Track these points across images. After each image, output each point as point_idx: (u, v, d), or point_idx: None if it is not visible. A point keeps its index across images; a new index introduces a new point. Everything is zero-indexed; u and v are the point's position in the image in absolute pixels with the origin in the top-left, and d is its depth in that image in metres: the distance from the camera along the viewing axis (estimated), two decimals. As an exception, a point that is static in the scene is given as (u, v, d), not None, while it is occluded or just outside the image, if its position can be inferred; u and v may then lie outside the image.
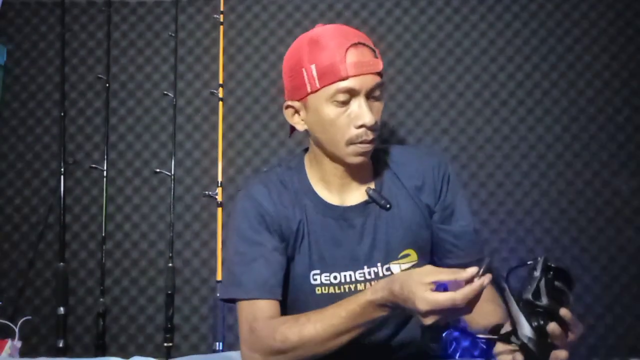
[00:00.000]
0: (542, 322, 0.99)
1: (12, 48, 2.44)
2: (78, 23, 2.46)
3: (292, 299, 1.28)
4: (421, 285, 0.98)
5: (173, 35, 2.40)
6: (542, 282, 1.00)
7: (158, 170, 2.34)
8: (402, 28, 2.43)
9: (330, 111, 1.18)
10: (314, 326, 1.11)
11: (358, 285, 1.27)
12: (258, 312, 1.19)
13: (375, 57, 1.20)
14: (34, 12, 2.47)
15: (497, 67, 2.39)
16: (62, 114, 2.37)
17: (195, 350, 2.25)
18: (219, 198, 2.28)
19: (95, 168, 2.34)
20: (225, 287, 1.27)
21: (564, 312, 0.99)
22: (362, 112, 1.16)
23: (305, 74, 1.19)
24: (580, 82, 2.37)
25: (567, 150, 2.34)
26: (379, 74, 1.20)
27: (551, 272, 1.02)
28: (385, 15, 2.44)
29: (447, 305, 0.96)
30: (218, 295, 1.33)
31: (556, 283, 1.02)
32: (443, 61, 2.40)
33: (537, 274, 1.01)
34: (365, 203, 1.28)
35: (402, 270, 1.25)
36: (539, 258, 1.03)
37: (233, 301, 1.26)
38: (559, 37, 2.40)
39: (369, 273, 1.27)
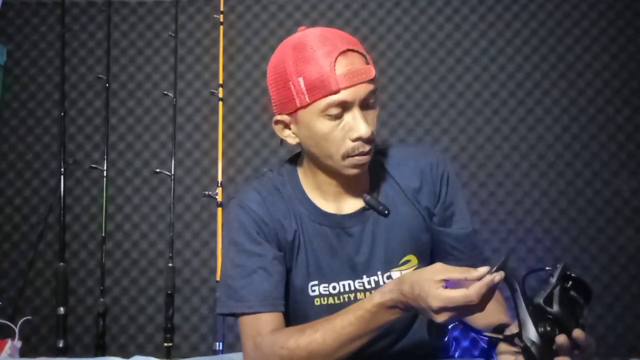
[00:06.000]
0: (548, 329, 0.98)
1: (12, 48, 2.44)
2: (78, 23, 2.46)
3: (291, 311, 1.25)
4: (433, 282, 0.97)
5: (173, 35, 2.40)
6: (557, 290, 0.99)
7: (158, 170, 2.34)
8: (402, 28, 2.43)
9: (323, 125, 1.11)
10: (322, 336, 1.08)
11: (358, 294, 1.23)
12: (261, 327, 1.14)
13: (367, 62, 1.11)
14: (34, 12, 2.47)
15: (497, 67, 2.39)
16: (62, 114, 2.37)
17: (195, 350, 2.25)
18: (219, 198, 2.27)
19: (95, 168, 2.34)
20: (225, 302, 1.20)
21: (577, 333, 0.97)
22: (357, 124, 1.10)
23: (292, 87, 1.11)
24: (580, 82, 2.37)
25: (567, 150, 2.34)
26: (372, 80, 1.11)
27: (569, 282, 1.00)
28: (385, 15, 2.43)
29: (460, 302, 0.95)
30: (217, 311, 1.27)
31: (572, 293, 1.00)
32: (443, 61, 2.40)
33: (553, 280, 0.99)
34: (363, 210, 1.23)
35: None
36: (558, 265, 1.01)
37: (233, 315, 1.21)
38: (559, 37, 2.40)
39: (369, 282, 1.23)
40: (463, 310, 0.98)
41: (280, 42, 1.20)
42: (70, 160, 2.35)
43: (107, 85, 2.37)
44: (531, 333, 0.98)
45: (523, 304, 1.00)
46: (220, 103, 2.34)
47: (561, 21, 2.41)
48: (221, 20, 2.39)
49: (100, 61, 2.42)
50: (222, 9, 2.39)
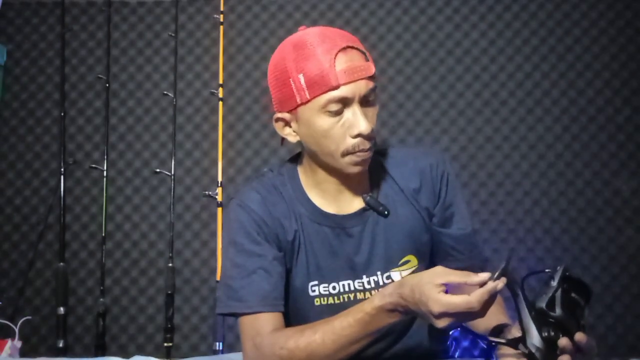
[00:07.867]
0: (552, 333, 0.97)
1: (12, 48, 2.44)
2: (78, 23, 2.46)
3: (291, 311, 1.25)
4: (433, 286, 0.97)
5: (173, 35, 2.40)
6: (558, 293, 0.98)
7: (158, 170, 2.34)
8: (402, 28, 2.43)
9: (323, 122, 1.11)
10: (321, 338, 1.08)
11: (358, 294, 1.23)
12: (261, 327, 1.14)
13: (366, 60, 1.12)
14: (34, 12, 2.47)
15: (497, 67, 2.39)
16: (62, 114, 2.37)
17: (195, 350, 2.25)
18: (219, 198, 2.27)
19: (95, 168, 2.34)
20: (225, 302, 1.20)
21: (579, 337, 0.97)
22: (357, 121, 1.10)
23: (293, 84, 1.12)
24: (580, 82, 2.37)
25: (567, 150, 2.34)
26: (372, 77, 1.11)
27: (570, 284, 1.00)
28: (386, 15, 2.43)
29: (462, 308, 0.95)
30: (217, 311, 1.27)
31: (572, 295, 1.00)
32: (443, 61, 2.40)
33: (554, 283, 0.98)
34: (363, 210, 1.23)
35: (403, 277, 1.23)
36: (558, 267, 1.00)
37: (233, 315, 1.22)
38: (559, 37, 2.40)
39: (369, 282, 1.23)
40: (464, 316, 0.97)
41: (280, 42, 1.21)
42: (70, 160, 2.35)
43: (107, 85, 2.37)
44: (535, 338, 0.98)
45: (526, 309, 0.99)
46: (220, 103, 2.34)
47: (561, 21, 2.41)
48: (221, 20, 2.39)
49: (100, 61, 2.42)
50: (222, 9, 2.39)
